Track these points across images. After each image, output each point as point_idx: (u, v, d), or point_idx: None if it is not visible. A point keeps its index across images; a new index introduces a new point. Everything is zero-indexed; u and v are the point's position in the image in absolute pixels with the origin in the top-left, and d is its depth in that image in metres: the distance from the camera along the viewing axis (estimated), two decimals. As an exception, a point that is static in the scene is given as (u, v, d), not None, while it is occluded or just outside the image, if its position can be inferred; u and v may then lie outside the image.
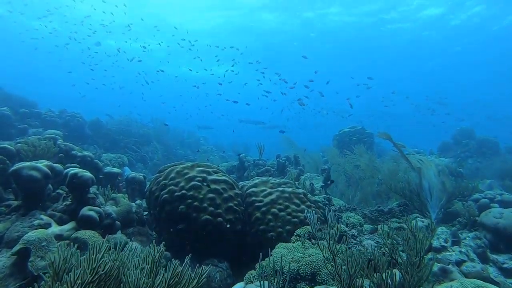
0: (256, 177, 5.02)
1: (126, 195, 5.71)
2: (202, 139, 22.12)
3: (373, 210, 5.62)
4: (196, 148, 20.31)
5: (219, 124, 30.83)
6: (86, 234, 3.23)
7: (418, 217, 5.05)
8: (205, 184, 4.05)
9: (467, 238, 4.41)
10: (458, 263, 3.68)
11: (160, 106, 33.92)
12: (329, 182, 6.31)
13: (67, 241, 3.25)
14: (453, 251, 3.87)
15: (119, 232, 4.03)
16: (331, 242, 2.79)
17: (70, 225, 3.41)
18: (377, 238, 4.09)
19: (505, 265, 4.27)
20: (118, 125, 13.85)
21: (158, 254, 2.28)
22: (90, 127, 11.59)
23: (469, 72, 29.92)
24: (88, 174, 3.63)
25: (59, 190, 3.77)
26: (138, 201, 4.93)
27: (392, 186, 5.99)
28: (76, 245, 2.64)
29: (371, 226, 4.36)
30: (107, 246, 2.57)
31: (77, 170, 3.59)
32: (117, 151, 11.60)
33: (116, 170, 5.56)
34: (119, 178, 5.56)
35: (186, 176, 4.30)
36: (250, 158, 9.63)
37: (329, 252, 2.95)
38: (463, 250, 3.85)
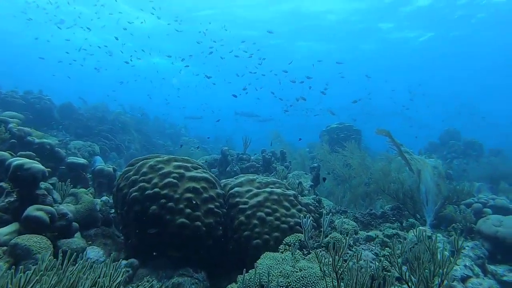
0: (241, 175, 4.49)
1: (93, 189, 5.06)
2: (184, 130, 21.33)
3: (365, 213, 5.23)
4: (177, 138, 19.53)
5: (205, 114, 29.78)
6: (30, 240, 2.60)
7: (413, 224, 4.69)
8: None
9: (467, 248, 4.08)
10: (464, 279, 3.32)
11: (138, 93, 32.58)
12: (322, 179, 5.88)
13: (5, 248, 2.62)
14: (457, 265, 3.52)
15: (78, 234, 3.41)
16: (336, 257, 2.32)
17: (11, 227, 2.77)
18: (374, 247, 3.68)
19: (504, 278, 3.96)
20: (92, 110, 12.91)
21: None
22: (59, 112, 10.64)
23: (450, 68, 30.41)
24: (37, 166, 2.98)
25: (2, 184, 3.11)
26: (104, 198, 4.30)
27: (385, 188, 5.63)
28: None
29: (366, 234, 3.94)
30: (47, 263, 1.99)
31: (23, 161, 2.94)
32: (89, 139, 10.77)
33: (81, 160, 4.88)
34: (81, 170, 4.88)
35: (160, 172, 3.71)
36: (233, 151, 9.09)
37: (330, 269, 2.49)
38: (467, 264, 3.50)
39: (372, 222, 5.10)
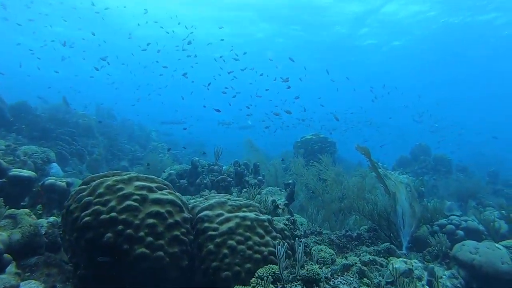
0: (212, 195, 4.13)
1: (41, 206, 4.46)
2: (154, 134, 20.43)
3: (341, 235, 5.03)
4: (146, 143, 18.67)
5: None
6: None
7: (390, 248, 4.54)
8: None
9: (444, 277, 3.96)
10: (444, 315, 3.16)
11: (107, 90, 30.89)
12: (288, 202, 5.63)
13: None
14: (437, 299, 3.36)
15: (12, 267, 2.88)
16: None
17: None
18: (352, 280, 3.44)
19: (479, 307, 3.89)
20: (52, 111, 11.94)
21: None
22: (12, 111, 9.65)
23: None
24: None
25: None
26: (52, 218, 3.75)
27: (360, 209, 5.47)
28: None
29: (343, 262, 3.70)
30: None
31: None
32: (47, 142, 9.89)
33: (26, 173, 4.26)
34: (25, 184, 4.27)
35: (119, 193, 3.26)
36: (204, 162, 8.67)
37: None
38: (447, 298, 3.35)
39: (348, 245, 4.90)
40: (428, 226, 5.74)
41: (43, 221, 3.68)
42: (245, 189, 6.70)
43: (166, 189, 3.62)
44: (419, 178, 9.69)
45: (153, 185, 3.53)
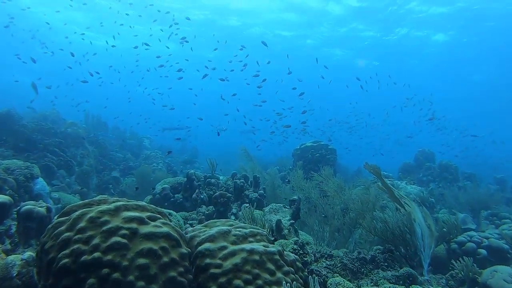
0: (213, 221, 3.64)
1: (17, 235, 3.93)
2: (147, 141, 19.78)
3: (354, 258, 4.58)
4: (138, 150, 18.07)
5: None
6: None
7: (410, 273, 4.09)
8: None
9: (475, 309, 3.52)
10: None
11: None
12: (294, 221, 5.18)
13: None
14: None
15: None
16: None
17: None
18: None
19: None
20: (39, 120, 11.34)
21: None
22: (-5, 123, 9.08)
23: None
24: None
25: None
26: (27, 255, 3.23)
27: (370, 228, 5.04)
28: None
29: (365, 298, 3.25)
30: None
31: None
32: (33, 154, 9.31)
33: (1, 198, 3.74)
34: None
35: (104, 228, 2.76)
36: (200, 174, 8.19)
37: None
38: None
39: (362, 269, 4.45)
40: (445, 243, 5.33)
41: (16, 258, 3.15)
42: (246, 204, 6.25)
43: (160, 218, 3.13)
44: (428, 189, 9.31)
45: (144, 215, 3.03)
